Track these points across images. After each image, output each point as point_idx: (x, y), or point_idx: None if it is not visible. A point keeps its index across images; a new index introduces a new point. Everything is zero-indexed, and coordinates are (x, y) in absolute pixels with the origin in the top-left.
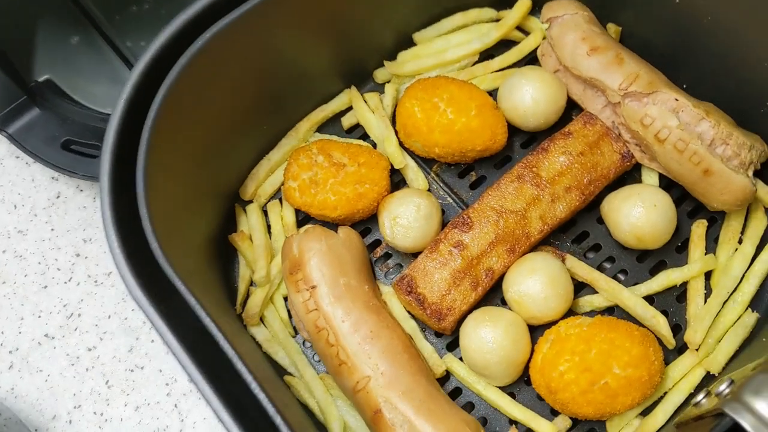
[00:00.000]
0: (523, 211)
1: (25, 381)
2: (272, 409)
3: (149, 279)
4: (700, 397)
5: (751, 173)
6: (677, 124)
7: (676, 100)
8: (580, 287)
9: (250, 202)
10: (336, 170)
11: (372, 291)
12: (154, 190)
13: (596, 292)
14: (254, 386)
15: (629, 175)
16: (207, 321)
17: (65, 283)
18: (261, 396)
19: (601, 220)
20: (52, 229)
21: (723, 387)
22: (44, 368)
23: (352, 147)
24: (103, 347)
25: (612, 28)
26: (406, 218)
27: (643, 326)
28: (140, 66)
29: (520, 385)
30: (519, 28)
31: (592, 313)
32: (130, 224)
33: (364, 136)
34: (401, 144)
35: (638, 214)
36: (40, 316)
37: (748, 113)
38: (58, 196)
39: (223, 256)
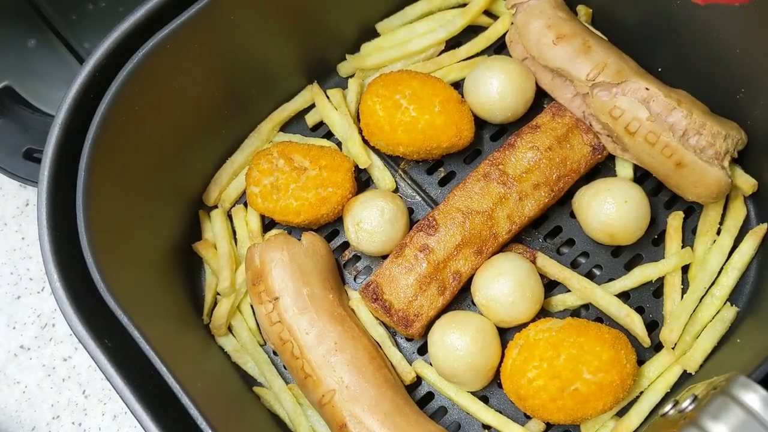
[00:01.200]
0: (489, 211)
1: (3, 393)
2: None
3: (93, 302)
4: (667, 407)
5: (726, 163)
6: (647, 115)
7: (647, 89)
8: (554, 284)
9: (215, 207)
10: (297, 175)
11: (337, 299)
12: (98, 200)
13: (570, 290)
14: (202, 423)
15: (603, 165)
16: (151, 354)
17: (38, 293)
18: None
19: (574, 214)
20: (23, 238)
21: (686, 404)
22: (21, 380)
23: (313, 149)
24: (79, 357)
25: (583, 10)
26: (370, 223)
27: (618, 325)
28: (87, 68)
29: (493, 388)
30: (487, 12)
31: (565, 312)
32: (73, 240)
33: (330, 134)
34: (366, 142)
35: (609, 211)
36: (14, 327)
37: (724, 100)
38: (27, 204)
39: (190, 263)
